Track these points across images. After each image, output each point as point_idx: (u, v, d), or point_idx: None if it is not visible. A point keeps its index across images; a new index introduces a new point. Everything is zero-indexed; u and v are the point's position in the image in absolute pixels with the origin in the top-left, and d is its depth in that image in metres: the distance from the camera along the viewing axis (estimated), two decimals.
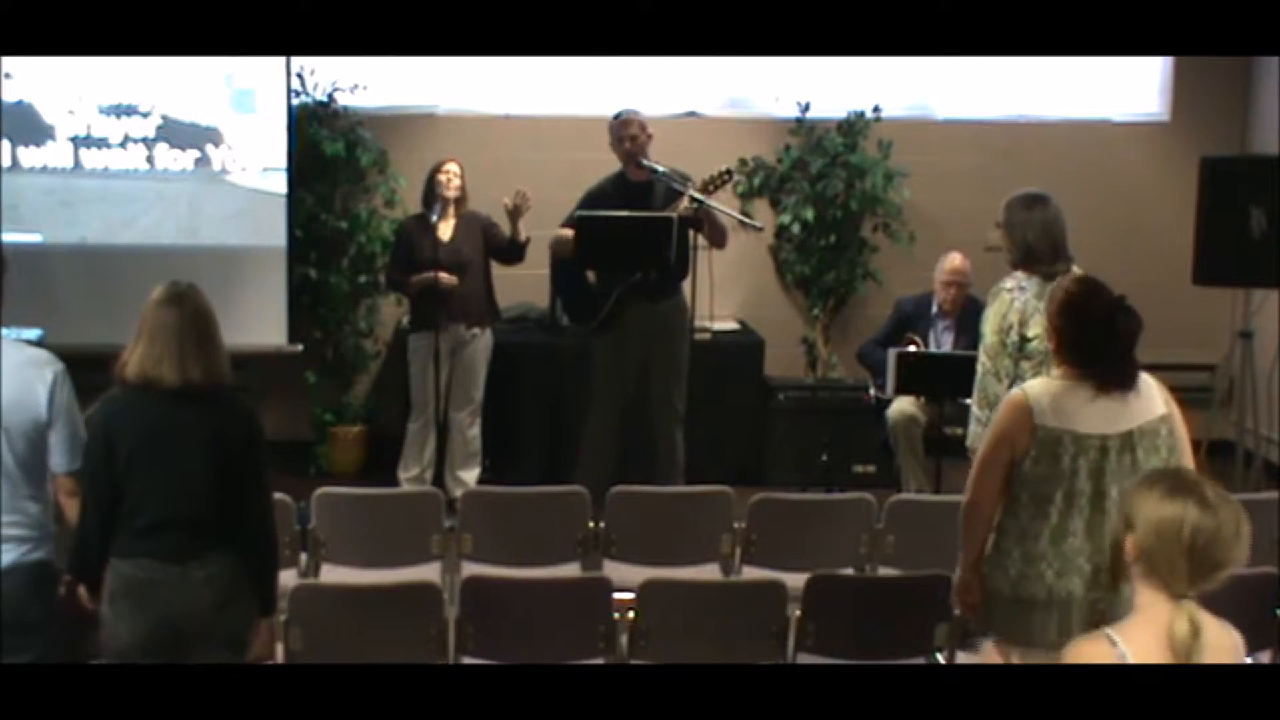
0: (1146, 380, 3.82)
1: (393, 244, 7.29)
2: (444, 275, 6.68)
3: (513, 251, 6.86)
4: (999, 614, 3.87)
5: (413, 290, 6.89)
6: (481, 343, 6.96)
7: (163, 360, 3.66)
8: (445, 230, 6.79)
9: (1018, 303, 4.76)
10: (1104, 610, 3.64)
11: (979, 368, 4.81)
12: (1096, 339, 3.75)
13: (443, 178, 6.82)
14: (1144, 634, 2.60)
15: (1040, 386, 3.82)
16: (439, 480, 6.84)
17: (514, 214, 6.71)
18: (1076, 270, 4.64)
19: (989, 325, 4.80)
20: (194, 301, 3.74)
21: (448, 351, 6.83)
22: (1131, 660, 2.56)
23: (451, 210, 6.79)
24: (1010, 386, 4.87)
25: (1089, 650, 2.64)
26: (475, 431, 7.01)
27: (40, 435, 3.77)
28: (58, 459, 3.79)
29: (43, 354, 3.83)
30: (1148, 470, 2.73)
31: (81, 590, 3.80)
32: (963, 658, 4.46)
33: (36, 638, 3.76)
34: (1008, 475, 3.79)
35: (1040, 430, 3.72)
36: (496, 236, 6.90)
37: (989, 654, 3.93)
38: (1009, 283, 4.83)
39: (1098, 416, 3.73)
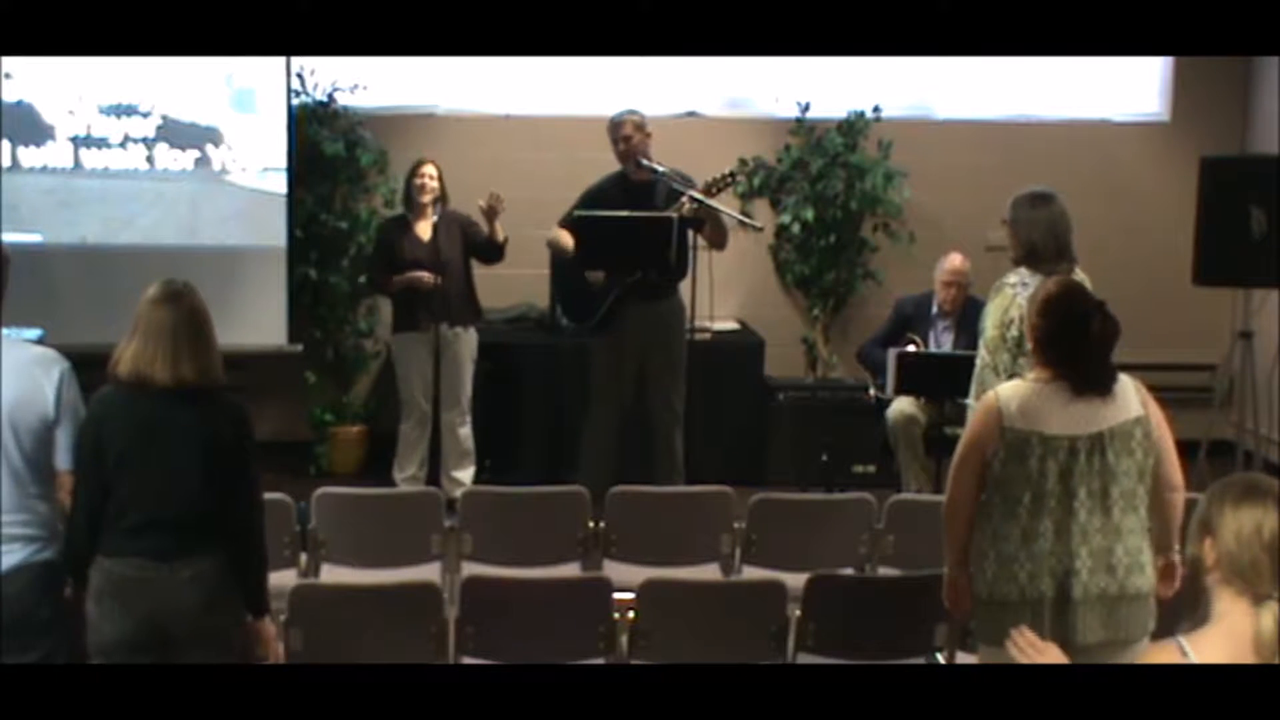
0: (1124, 381, 3.83)
1: (373, 245, 7.30)
2: (425, 274, 6.69)
3: (491, 250, 6.85)
4: (978, 615, 3.91)
5: (394, 290, 6.90)
6: (466, 342, 6.93)
7: (156, 359, 3.65)
8: (424, 230, 6.79)
9: (1020, 298, 4.75)
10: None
11: (978, 361, 4.81)
12: (1072, 339, 3.77)
13: (419, 180, 6.82)
14: (1219, 642, 2.55)
15: (1011, 389, 3.85)
16: (433, 481, 6.83)
17: (489, 215, 6.70)
18: (1079, 270, 4.65)
19: (990, 319, 4.79)
20: (189, 300, 3.73)
21: (431, 351, 6.82)
22: None
23: (430, 210, 6.78)
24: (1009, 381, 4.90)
25: (1158, 658, 2.61)
26: (466, 430, 6.99)
27: (48, 433, 3.75)
28: (63, 457, 3.78)
29: (49, 352, 3.82)
30: (1223, 479, 2.67)
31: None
32: (962, 658, 4.46)
33: (44, 638, 3.74)
34: (983, 476, 3.82)
35: (1008, 432, 3.75)
36: (475, 235, 6.87)
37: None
38: (1012, 278, 4.83)
39: (1068, 418, 3.75)
